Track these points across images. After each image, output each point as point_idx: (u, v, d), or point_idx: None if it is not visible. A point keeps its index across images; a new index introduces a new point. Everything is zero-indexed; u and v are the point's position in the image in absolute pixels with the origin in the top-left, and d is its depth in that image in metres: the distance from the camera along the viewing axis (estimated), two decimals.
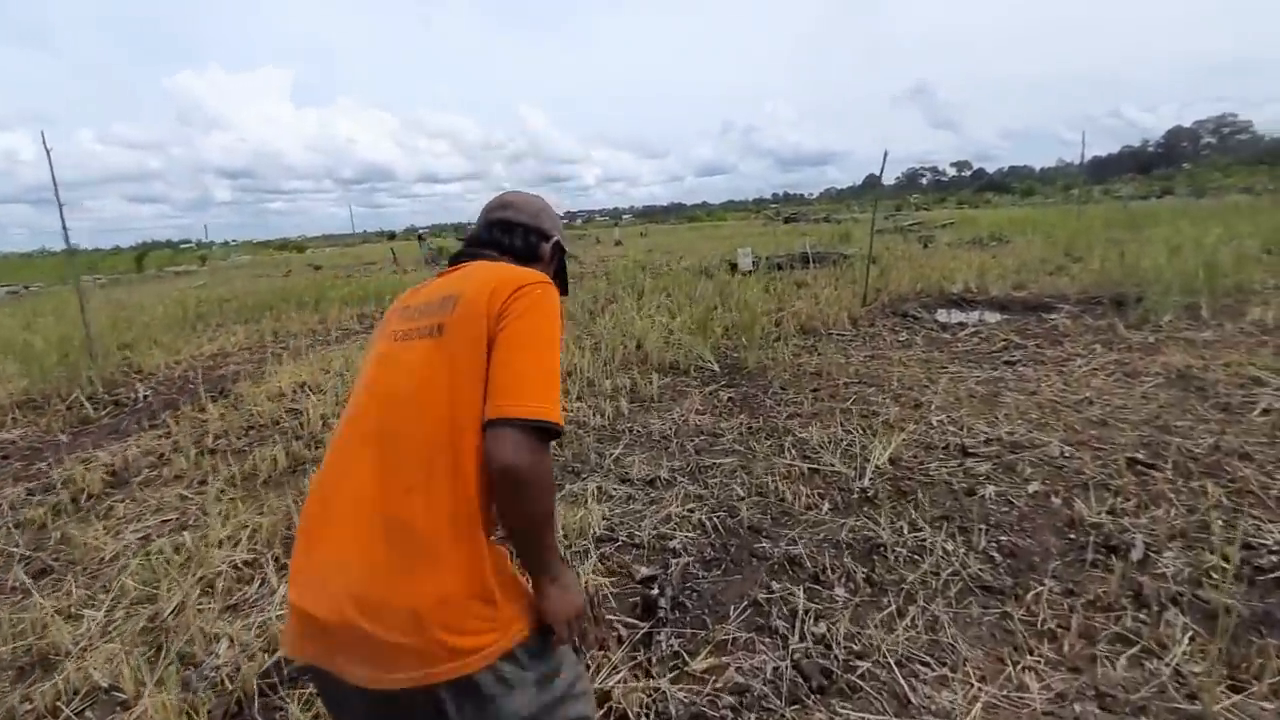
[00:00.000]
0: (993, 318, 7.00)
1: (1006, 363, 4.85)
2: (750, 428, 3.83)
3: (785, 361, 5.21)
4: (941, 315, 7.31)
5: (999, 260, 10.70)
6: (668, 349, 5.51)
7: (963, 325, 6.21)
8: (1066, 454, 3.14)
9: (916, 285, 8.68)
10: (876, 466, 3.11)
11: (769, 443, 3.55)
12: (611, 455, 3.52)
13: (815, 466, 3.19)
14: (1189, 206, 18.71)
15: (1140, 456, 3.02)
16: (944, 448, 3.33)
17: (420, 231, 30.74)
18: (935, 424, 3.63)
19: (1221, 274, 7.13)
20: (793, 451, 3.41)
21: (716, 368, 5.15)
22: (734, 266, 11.71)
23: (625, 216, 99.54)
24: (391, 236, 56.15)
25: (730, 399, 4.43)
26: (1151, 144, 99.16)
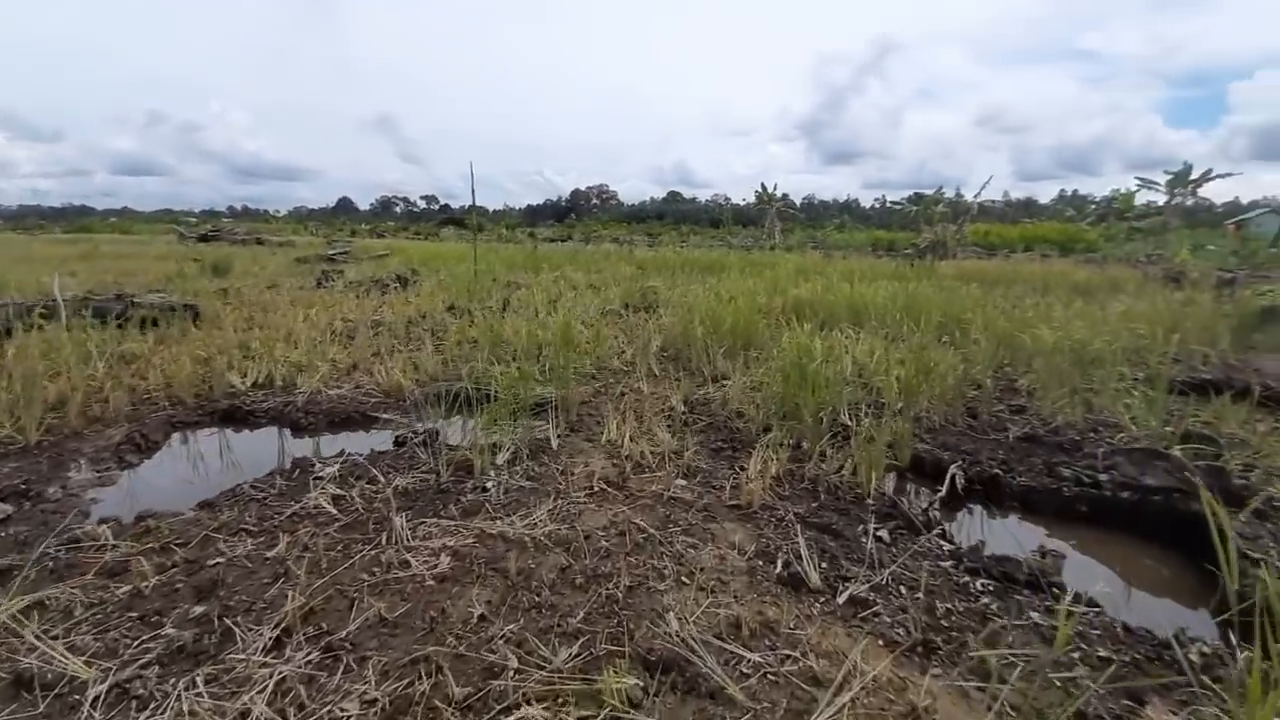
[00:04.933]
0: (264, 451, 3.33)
1: None
2: None
3: None
4: (144, 477, 3.26)
5: (369, 308, 7.55)
6: None
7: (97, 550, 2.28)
8: None
9: (196, 374, 4.48)
10: None
11: None
12: None
13: None
14: (578, 251, 20.30)
15: None
16: None
17: None
18: None
19: (575, 346, 5.29)
20: None
21: None
22: None
23: None
24: None
25: None
26: (562, 200, 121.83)
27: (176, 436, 3.82)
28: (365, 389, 4.51)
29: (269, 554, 2.26)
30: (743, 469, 3.11)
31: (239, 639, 1.80)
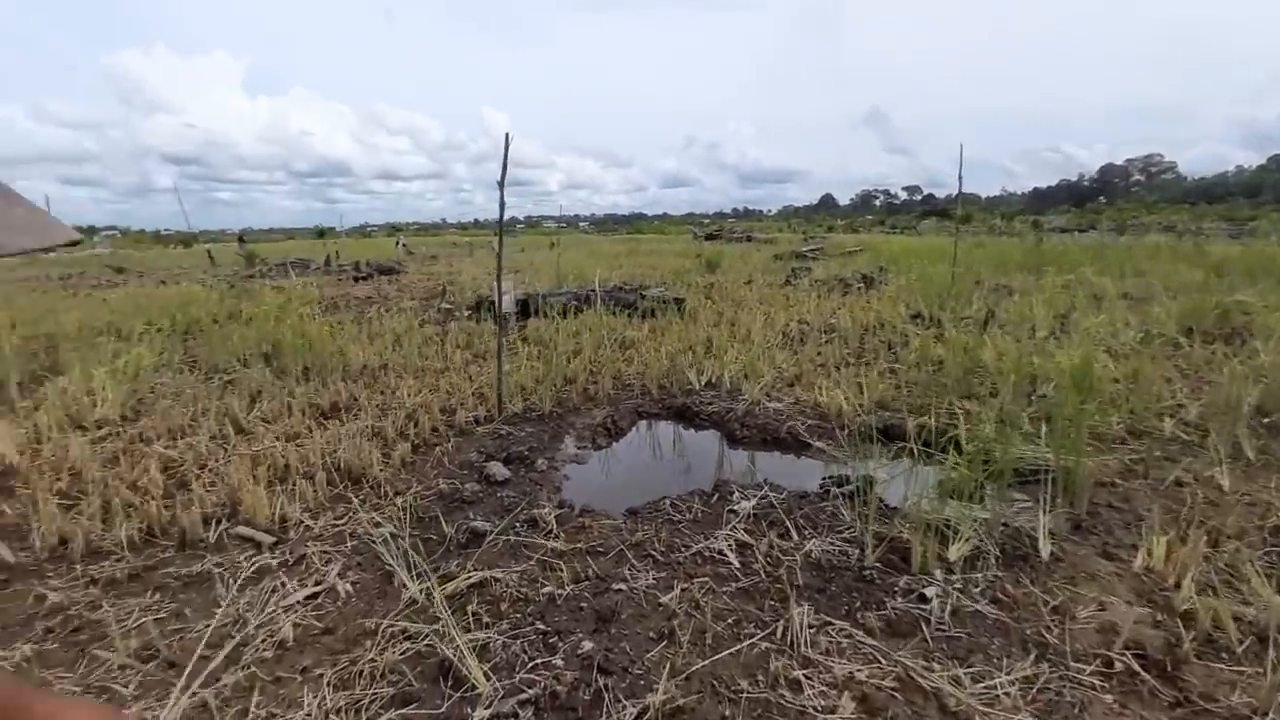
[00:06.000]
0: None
1: None
2: None
3: None
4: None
5: (826, 310, 7.24)
6: None
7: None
8: None
9: (664, 367, 5.10)
10: None
11: None
12: None
13: None
14: (1105, 245, 15.66)
15: None
16: None
17: (240, 234, 26.29)
18: None
19: (1095, 390, 3.71)
20: None
21: None
22: (491, 306, 8.08)
23: (583, 224, 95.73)
24: (320, 235, 51.40)
25: None
26: (1087, 179, 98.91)
27: (639, 425, 4.29)
28: (803, 407, 4.19)
29: (663, 599, 2.09)
30: None
31: (605, 710, 1.62)
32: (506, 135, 3.50)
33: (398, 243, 28.42)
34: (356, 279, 13.68)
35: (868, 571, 2.23)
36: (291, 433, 3.69)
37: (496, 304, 4.22)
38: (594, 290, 8.36)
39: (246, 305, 7.35)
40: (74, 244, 0.51)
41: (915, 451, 3.08)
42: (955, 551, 2.29)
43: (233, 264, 17.01)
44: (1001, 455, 2.84)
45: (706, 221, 72.86)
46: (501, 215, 3.76)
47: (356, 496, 2.92)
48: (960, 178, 7.67)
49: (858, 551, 2.35)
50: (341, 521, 2.72)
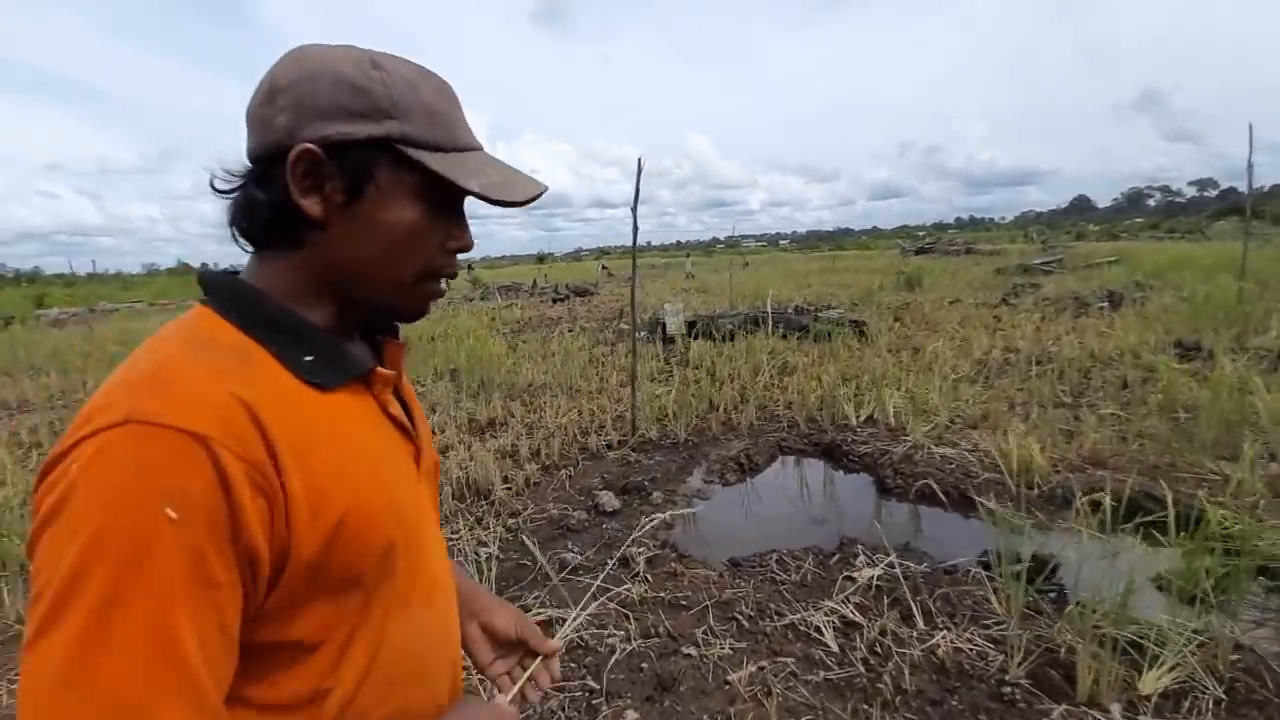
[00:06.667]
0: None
1: None
2: None
3: None
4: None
5: (1059, 332, 5.97)
6: None
7: None
8: None
9: (818, 398, 4.69)
10: None
11: None
12: None
13: None
14: None
15: None
16: None
17: (470, 262, 29.46)
18: None
19: None
20: None
21: None
22: (663, 328, 8.23)
23: (783, 242, 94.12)
24: (540, 260, 57.59)
25: None
26: None
27: (780, 462, 3.95)
28: (982, 455, 3.49)
29: (730, 676, 1.83)
30: None
31: None
32: (639, 160, 3.50)
33: (600, 266, 30.62)
34: (555, 300, 14.94)
35: (1009, 689, 1.71)
36: (445, 445, 4.06)
37: (632, 327, 4.23)
38: (764, 312, 8.04)
39: (444, 326, 8.42)
40: (542, 194, 0.56)
41: (1110, 524, 2.35)
42: (1152, 681, 1.66)
43: (462, 289, 19.76)
44: (1251, 541, 2.03)
45: (921, 234, 66.76)
46: (635, 238, 3.76)
47: (474, 514, 3.08)
48: (1250, 164, 5.93)
49: (1001, 658, 1.83)
50: (456, 537, 2.88)
